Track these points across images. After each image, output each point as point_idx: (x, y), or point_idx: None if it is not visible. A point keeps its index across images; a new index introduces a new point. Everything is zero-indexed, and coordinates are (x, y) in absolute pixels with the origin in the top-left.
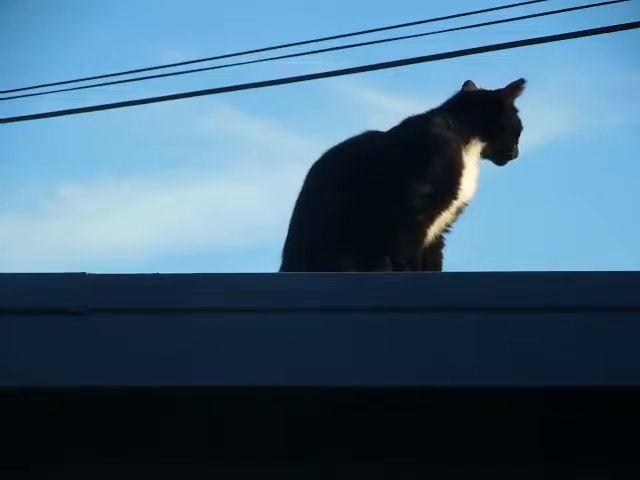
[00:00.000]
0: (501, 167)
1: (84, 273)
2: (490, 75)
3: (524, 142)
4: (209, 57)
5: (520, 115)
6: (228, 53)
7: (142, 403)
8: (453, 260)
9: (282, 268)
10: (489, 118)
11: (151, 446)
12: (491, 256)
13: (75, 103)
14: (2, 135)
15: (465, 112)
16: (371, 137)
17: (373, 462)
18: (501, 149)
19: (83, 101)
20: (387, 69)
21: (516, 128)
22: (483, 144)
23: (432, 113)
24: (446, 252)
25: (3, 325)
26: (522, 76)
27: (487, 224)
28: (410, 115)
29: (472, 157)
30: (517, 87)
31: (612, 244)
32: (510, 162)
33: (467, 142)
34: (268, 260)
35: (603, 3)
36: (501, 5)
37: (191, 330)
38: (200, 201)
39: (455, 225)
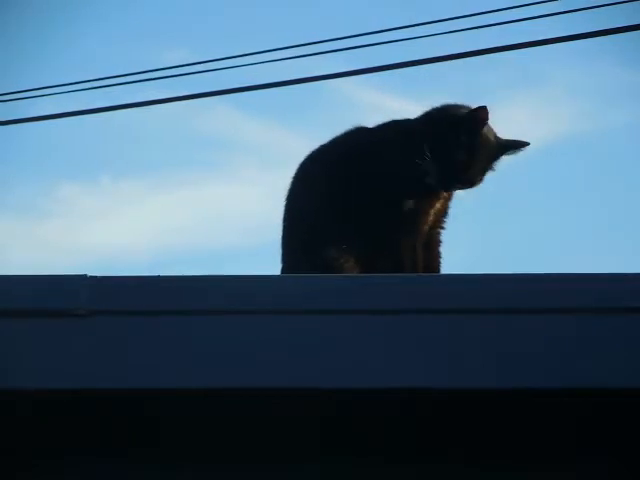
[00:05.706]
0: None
1: (85, 275)
2: (491, 76)
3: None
4: (211, 59)
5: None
6: (230, 55)
7: (143, 405)
8: (452, 261)
9: (283, 262)
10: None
11: (152, 447)
12: (491, 257)
13: (76, 105)
14: (2, 135)
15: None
16: (359, 133)
17: (373, 462)
18: None
19: (85, 103)
20: (387, 70)
21: None
22: None
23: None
24: (447, 254)
25: (3, 327)
26: (526, 78)
27: (488, 224)
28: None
29: None
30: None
31: (613, 244)
32: None
33: None
34: (270, 261)
35: (605, 4)
36: (503, 7)
37: (192, 332)
38: (201, 202)
39: (449, 221)
